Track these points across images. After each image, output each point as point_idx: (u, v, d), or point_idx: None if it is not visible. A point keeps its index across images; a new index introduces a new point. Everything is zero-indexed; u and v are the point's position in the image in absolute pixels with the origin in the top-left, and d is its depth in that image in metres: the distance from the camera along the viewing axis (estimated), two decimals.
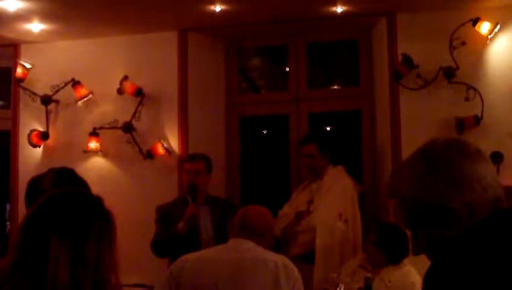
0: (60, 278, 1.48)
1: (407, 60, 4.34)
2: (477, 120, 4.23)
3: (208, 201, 4.20)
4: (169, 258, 4.01)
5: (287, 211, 4.36)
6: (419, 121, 4.34)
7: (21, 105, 5.07)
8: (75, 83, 4.85)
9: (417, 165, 1.43)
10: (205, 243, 3.94)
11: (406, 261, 3.69)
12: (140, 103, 4.79)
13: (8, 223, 5.64)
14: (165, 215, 4.12)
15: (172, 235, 3.98)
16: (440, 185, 1.38)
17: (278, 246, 4.18)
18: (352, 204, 4.15)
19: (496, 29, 4.23)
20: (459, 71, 4.28)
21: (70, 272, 1.49)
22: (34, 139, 4.93)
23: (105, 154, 4.87)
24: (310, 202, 4.32)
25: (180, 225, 3.96)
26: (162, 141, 4.71)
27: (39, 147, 4.96)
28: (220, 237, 3.92)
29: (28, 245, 1.54)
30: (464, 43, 4.27)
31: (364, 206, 4.32)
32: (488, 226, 1.34)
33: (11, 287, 1.51)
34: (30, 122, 5.02)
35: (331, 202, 4.19)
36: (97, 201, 1.65)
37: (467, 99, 4.27)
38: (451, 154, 1.41)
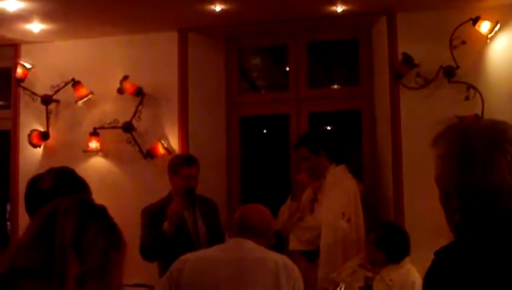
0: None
1: (408, 59, 4.33)
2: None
3: (199, 202, 4.05)
4: (159, 261, 3.94)
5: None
6: (420, 120, 4.33)
7: (21, 105, 5.08)
8: (75, 83, 4.85)
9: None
10: (200, 244, 3.82)
11: (406, 260, 3.69)
12: (140, 103, 4.79)
13: (8, 223, 5.64)
14: (153, 217, 3.94)
15: (157, 236, 3.81)
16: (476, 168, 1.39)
17: (282, 242, 4.19)
18: (355, 203, 4.16)
19: (496, 28, 4.23)
20: (459, 70, 4.28)
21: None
22: (35, 139, 4.93)
23: (105, 154, 4.87)
24: (314, 201, 4.33)
25: (165, 224, 3.82)
26: (162, 140, 4.71)
27: (39, 147, 4.96)
28: (213, 237, 3.89)
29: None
30: (464, 42, 4.26)
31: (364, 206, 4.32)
32: (489, 226, 1.34)
33: None
34: (30, 123, 5.02)
35: (334, 201, 4.19)
36: (103, 211, 1.59)
37: (467, 98, 4.26)
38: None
